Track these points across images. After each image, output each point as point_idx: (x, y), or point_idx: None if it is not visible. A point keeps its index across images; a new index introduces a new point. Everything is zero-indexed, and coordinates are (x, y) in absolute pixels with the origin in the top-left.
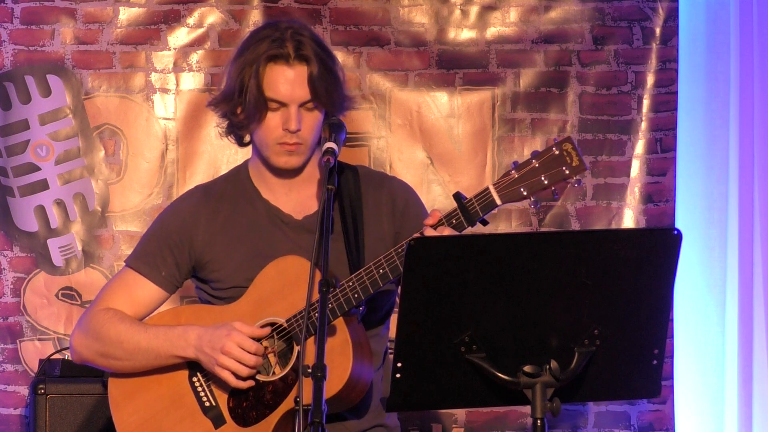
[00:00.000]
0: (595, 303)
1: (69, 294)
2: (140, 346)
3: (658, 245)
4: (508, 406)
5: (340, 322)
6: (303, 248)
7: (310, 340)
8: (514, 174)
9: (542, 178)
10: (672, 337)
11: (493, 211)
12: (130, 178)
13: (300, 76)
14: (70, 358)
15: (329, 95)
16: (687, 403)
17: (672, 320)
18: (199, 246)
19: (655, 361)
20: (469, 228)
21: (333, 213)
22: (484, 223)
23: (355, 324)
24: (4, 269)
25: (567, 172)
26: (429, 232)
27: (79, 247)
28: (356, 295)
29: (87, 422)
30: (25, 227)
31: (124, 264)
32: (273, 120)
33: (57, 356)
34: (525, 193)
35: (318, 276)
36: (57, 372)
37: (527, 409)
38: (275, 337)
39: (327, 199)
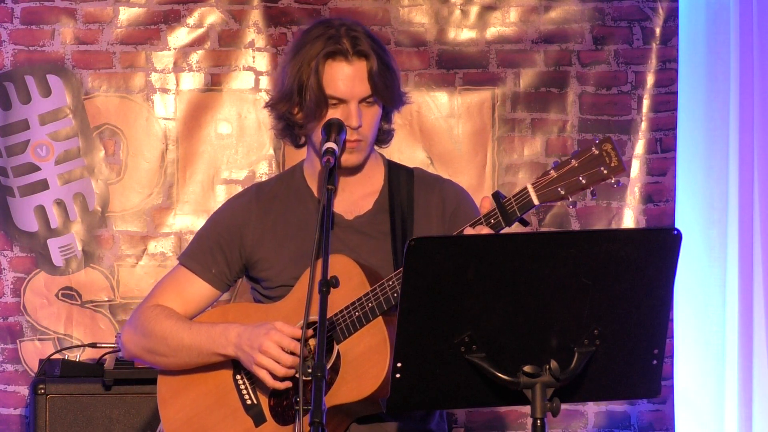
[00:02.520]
0: (595, 303)
1: (69, 294)
2: (183, 342)
3: (658, 245)
4: (508, 406)
5: (379, 322)
6: (351, 248)
7: (352, 338)
8: (553, 173)
9: (580, 178)
10: (672, 337)
11: (531, 211)
12: (130, 178)
13: (359, 72)
14: (69, 358)
15: (388, 90)
16: (687, 403)
17: (672, 320)
18: (249, 244)
19: (655, 361)
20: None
21: (382, 214)
22: (524, 222)
23: (395, 324)
24: (4, 269)
25: (605, 172)
26: (467, 231)
27: (79, 247)
28: (395, 294)
29: (87, 422)
30: (25, 227)
31: (177, 261)
32: (332, 116)
33: (57, 356)
34: (563, 193)
35: (319, 275)
36: (57, 372)
37: (527, 409)
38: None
39: (327, 199)
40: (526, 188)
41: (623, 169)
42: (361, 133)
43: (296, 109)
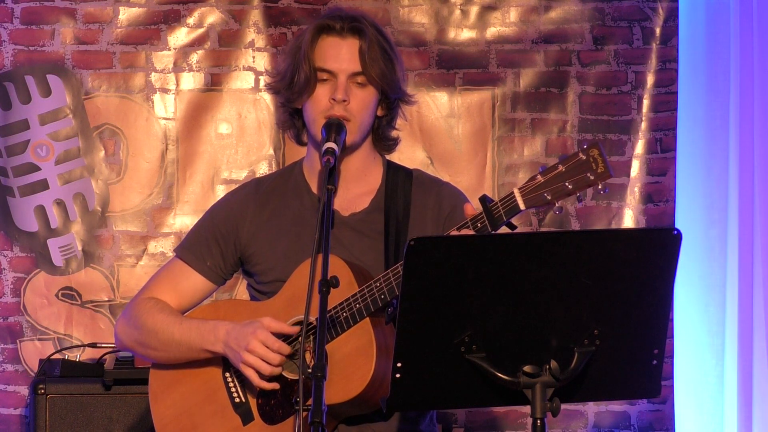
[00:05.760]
0: (595, 303)
1: (69, 294)
2: (174, 337)
3: (658, 245)
4: (508, 406)
5: (366, 323)
6: (344, 245)
7: (339, 339)
8: (540, 178)
9: (567, 184)
10: (672, 337)
11: (517, 215)
12: (130, 178)
13: (351, 47)
14: (69, 358)
15: (381, 72)
16: (687, 403)
17: (672, 320)
18: (244, 237)
19: (655, 361)
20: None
21: (378, 213)
22: (511, 226)
23: (382, 325)
24: (4, 269)
25: (592, 178)
26: (453, 233)
27: (79, 247)
28: (382, 296)
29: (87, 422)
30: (25, 227)
31: (174, 253)
32: (321, 91)
33: (57, 356)
34: (549, 198)
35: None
36: (57, 372)
37: (527, 409)
38: (310, 336)
39: (327, 199)
40: (512, 193)
41: (610, 174)
42: (349, 111)
43: (292, 88)
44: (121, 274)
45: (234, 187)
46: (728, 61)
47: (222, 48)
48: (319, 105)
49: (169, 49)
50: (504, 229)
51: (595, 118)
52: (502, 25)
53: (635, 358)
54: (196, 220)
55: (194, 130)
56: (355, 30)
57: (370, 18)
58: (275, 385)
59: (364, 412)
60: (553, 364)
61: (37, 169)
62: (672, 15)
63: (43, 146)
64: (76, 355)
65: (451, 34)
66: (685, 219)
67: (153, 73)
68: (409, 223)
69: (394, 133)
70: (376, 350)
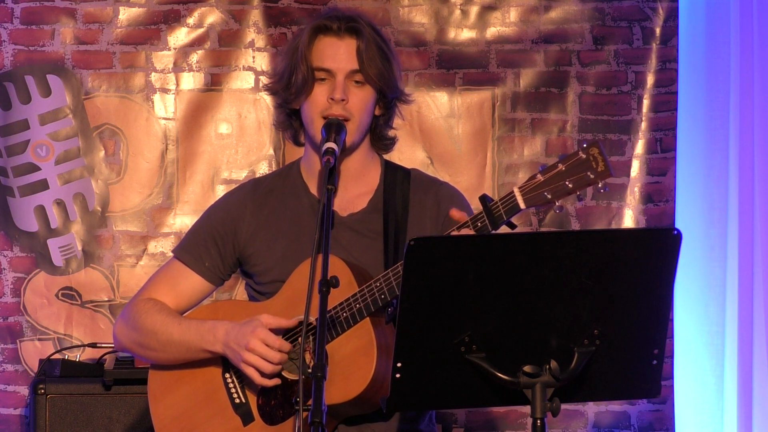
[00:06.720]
0: (595, 303)
1: (69, 294)
2: (173, 338)
3: (658, 245)
4: (508, 406)
5: (366, 323)
6: (342, 246)
7: (339, 339)
8: (540, 177)
9: (567, 183)
10: (672, 337)
11: (517, 214)
12: (130, 178)
13: (348, 47)
14: (69, 358)
15: (379, 71)
16: (687, 403)
17: (672, 320)
18: (242, 238)
19: (655, 361)
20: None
21: (376, 214)
22: (511, 225)
23: (383, 325)
24: (4, 269)
25: (592, 176)
26: (453, 233)
27: (79, 247)
28: (383, 296)
29: (87, 422)
30: (25, 227)
31: (172, 254)
32: (320, 91)
33: (57, 356)
34: (549, 197)
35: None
36: (57, 372)
37: (527, 409)
38: (310, 336)
39: (327, 199)
40: (512, 192)
41: (610, 173)
42: (348, 110)
43: (290, 88)
44: (121, 274)
45: (234, 187)
46: (728, 61)
47: (222, 48)
48: (317, 105)
49: (169, 49)
50: (504, 229)
51: (595, 118)
52: (502, 25)
53: (635, 358)
54: (195, 220)
55: (194, 130)
56: (352, 30)
57: (367, 18)
58: (277, 381)
59: (364, 412)
60: (553, 364)
61: (37, 169)
62: (672, 15)
63: (43, 146)
64: (76, 355)
65: (451, 34)
66: (685, 219)
67: (153, 73)
68: (408, 223)
69: (391, 133)
70: (376, 350)
